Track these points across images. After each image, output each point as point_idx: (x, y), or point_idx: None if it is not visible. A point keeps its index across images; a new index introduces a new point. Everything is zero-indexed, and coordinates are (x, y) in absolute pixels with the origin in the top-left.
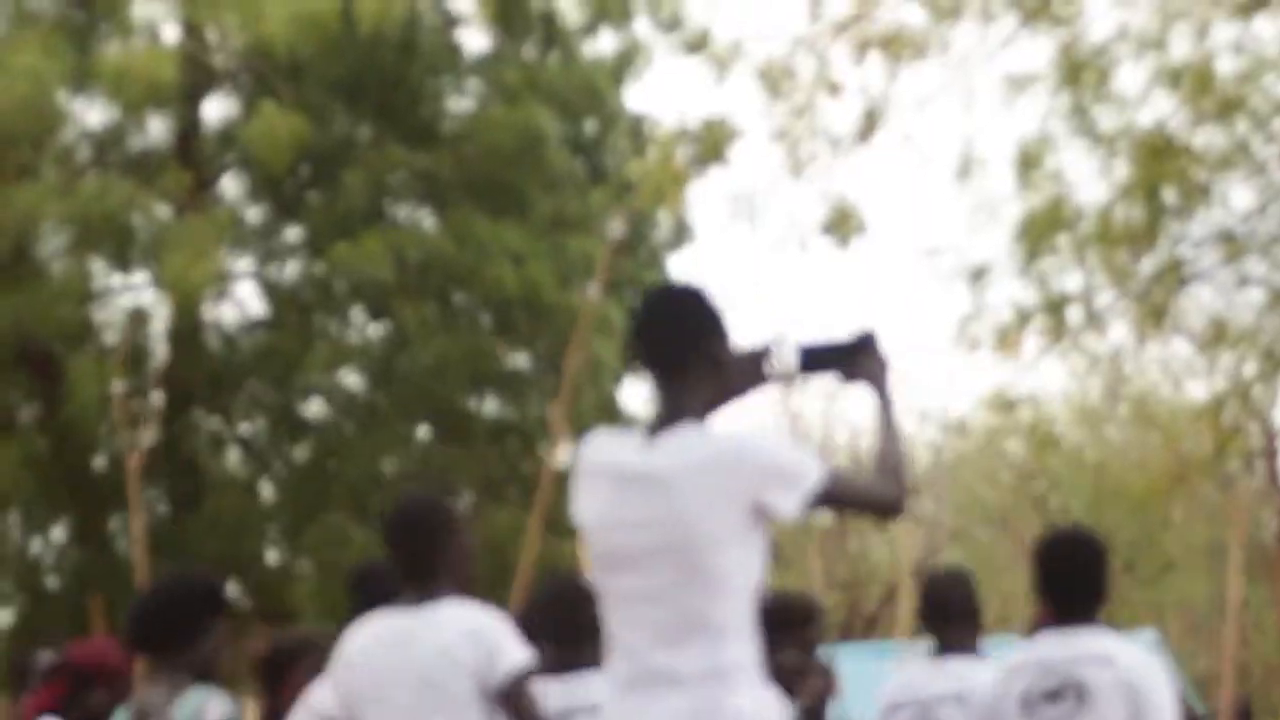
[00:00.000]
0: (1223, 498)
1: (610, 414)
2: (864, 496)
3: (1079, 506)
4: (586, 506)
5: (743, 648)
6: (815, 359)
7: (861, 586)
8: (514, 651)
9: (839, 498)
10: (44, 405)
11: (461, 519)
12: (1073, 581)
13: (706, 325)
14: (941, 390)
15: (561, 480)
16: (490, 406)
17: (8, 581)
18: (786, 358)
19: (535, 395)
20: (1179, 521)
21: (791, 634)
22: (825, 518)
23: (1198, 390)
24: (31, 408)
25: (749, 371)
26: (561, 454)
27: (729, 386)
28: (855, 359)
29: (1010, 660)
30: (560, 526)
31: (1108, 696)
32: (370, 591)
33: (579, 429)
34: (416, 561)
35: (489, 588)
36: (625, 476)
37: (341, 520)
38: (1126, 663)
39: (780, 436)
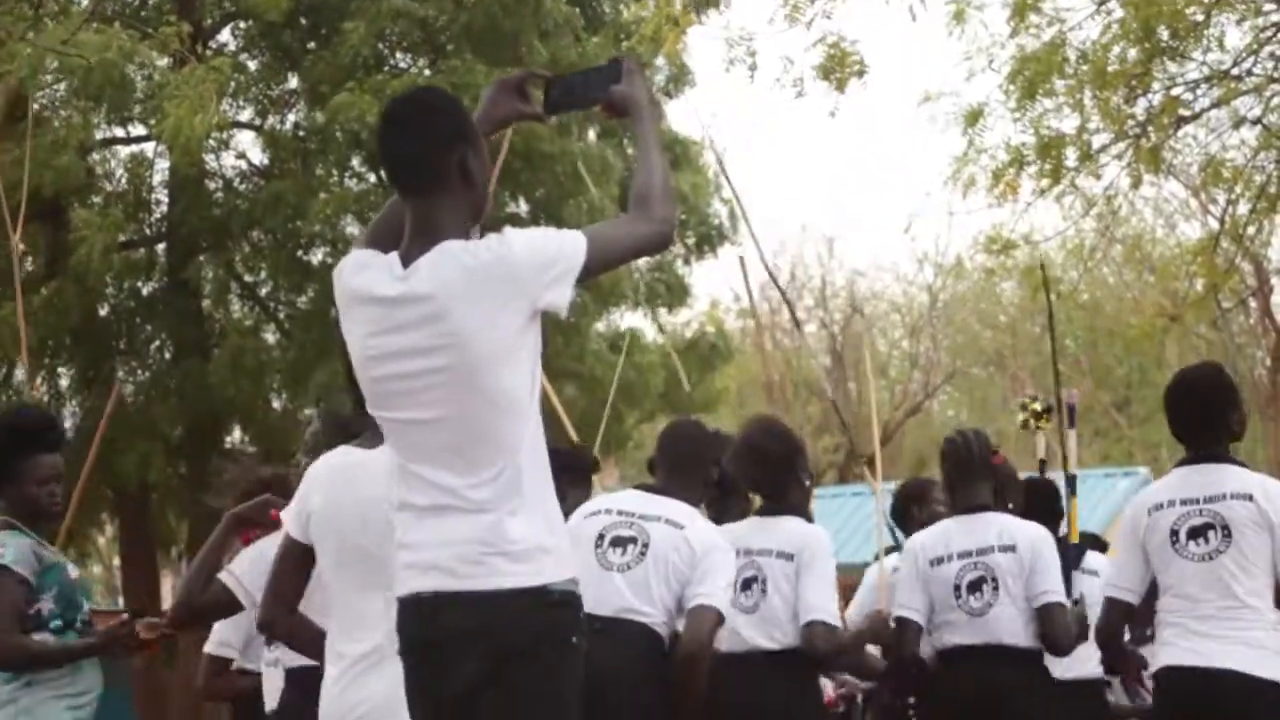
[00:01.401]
0: (1216, 336)
1: None
2: (628, 246)
3: (1075, 346)
4: (351, 339)
5: (534, 468)
6: (570, 93)
7: (861, 428)
8: None
9: (605, 262)
10: (50, 255)
11: None
12: (1200, 420)
13: (453, 135)
14: (938, 233)
15: (564, 324)
16: None
17: None
18: (542, 97)
19: None
20: (1173, 360)
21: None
22: (820, 360)
23: (1191, 230)
24: (39, 258)
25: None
26: None
27: (483, 196)
28: (609, 88)
29: (1148, 497)
30: (554, 367)
31: (1251, 531)
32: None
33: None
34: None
35: None
36: (389, 305)
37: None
38: (1264, 497)
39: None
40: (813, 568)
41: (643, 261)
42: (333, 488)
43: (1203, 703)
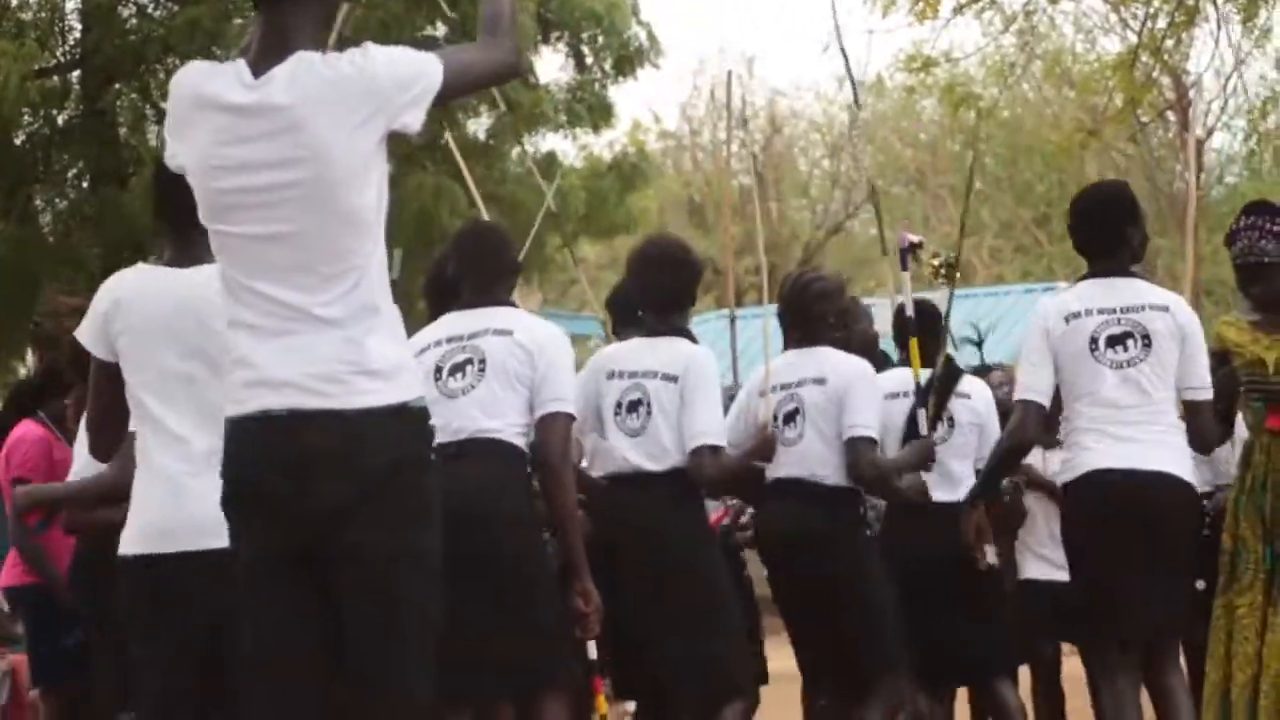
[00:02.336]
0: (1136, 150)
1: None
2: (480, 74)
3: (996, 163)
4: (191, 148)
5: (382, 288)
6: None
7: (782, 249)
8: None
9: (460, 87)
10: None
11: None
12: (1108, 234)
13: None
14: (858, 53)
15: (486, 147)
16: None
17: None
18: None
19: None
20: (1093, 176)
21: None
22: (741, 180)
23: (1111, 45)
24: None
25: None
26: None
27: (335, 3)
28: None
29: (1061, 305)
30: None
31: (1168, 341)
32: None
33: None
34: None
35: (418, 249)
36: (239, 114)
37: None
38: (1179, 308)
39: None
40: (698, 390)
41: (563, 82)
42: (143, 305)
43: (1132, 504)
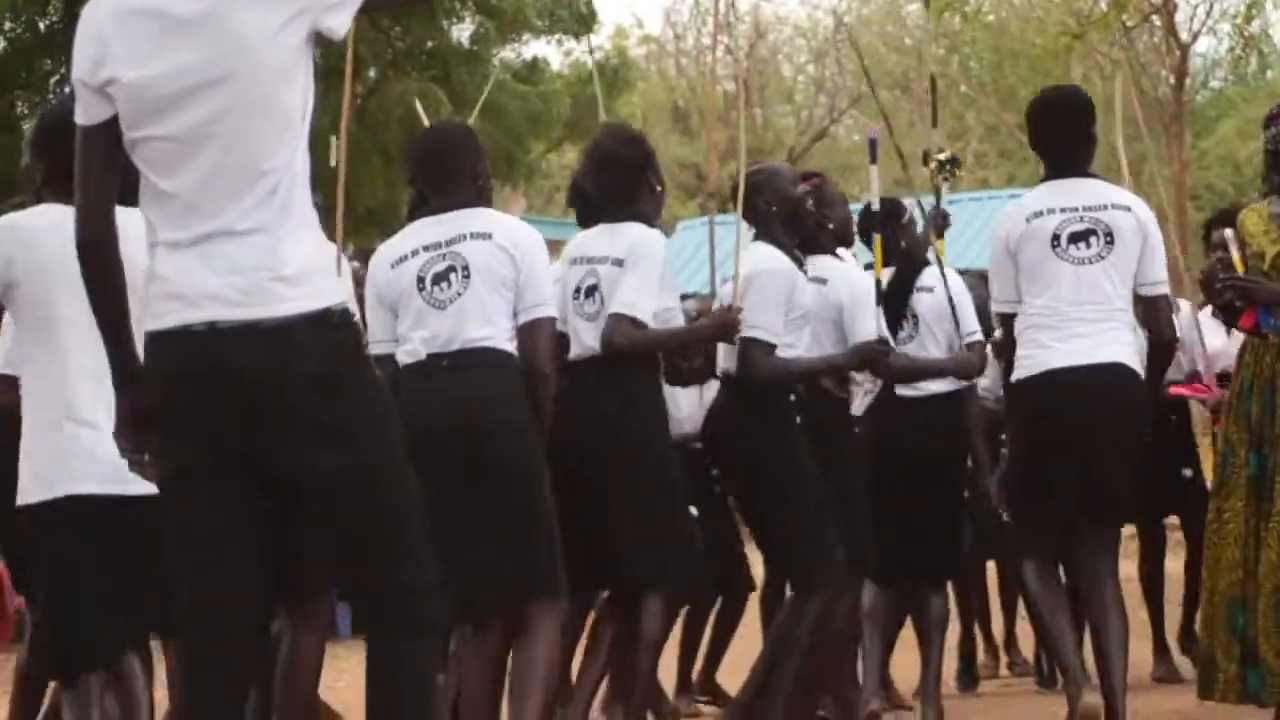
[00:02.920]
0: (1120, 55)
1: None
2: None
3: (980, 69)
4: (125, 55)
5: (303, 193)
6: None
7: (765, 155)
8: None
9: (376, 2)
10: None
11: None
12: (1068, 137)
13: None
14: None
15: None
16: None
17: None
18: None
19: None
20: (1078, 80)
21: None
22: (725, 86)
23: None
24: None
25: None
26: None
27: None
28: None
29: (1022, 207)
30: (464, 97)
31: (1131, 239)
32: None
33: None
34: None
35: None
36: (173, 20)
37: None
38: (1140, 208)
39: None
40: (635, 268)
41: None
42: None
43: (1080, 395)
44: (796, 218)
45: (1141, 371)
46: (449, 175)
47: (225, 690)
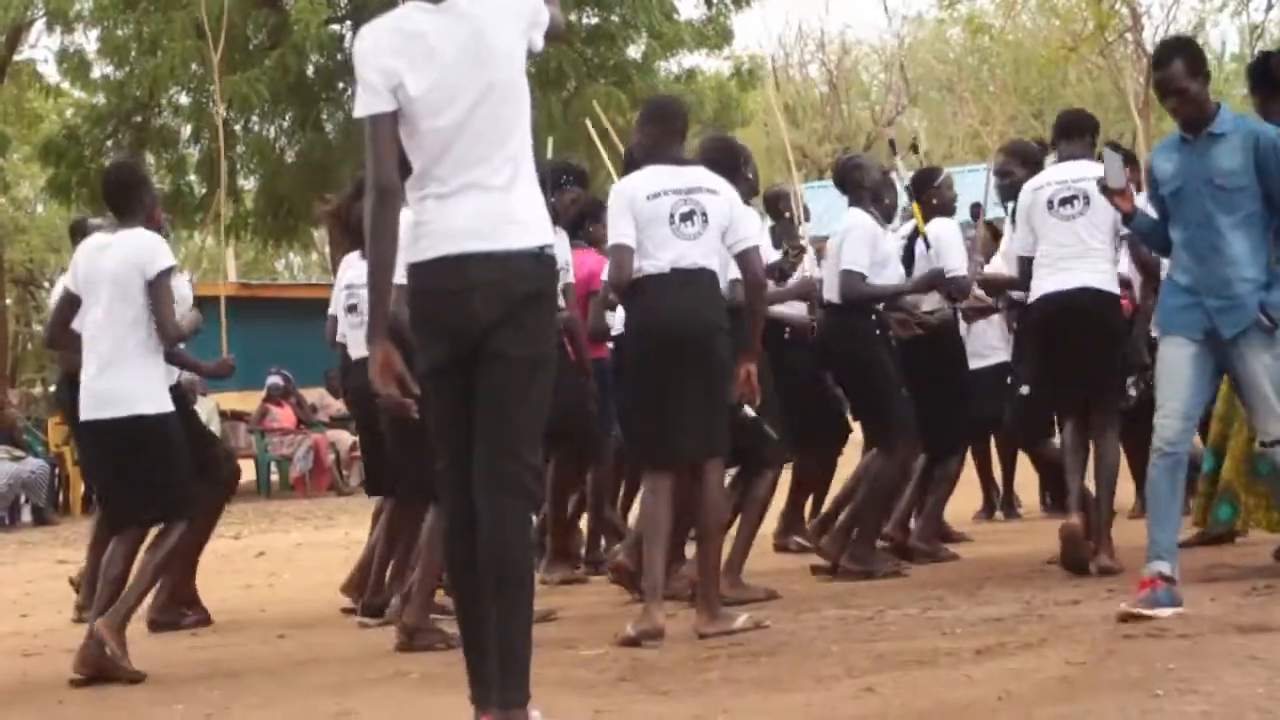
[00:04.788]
0: (1103, 62)
1: None
2: (556, 27)
3: (1004, 73)
4: (403, 71)
5: (526, 159)
6: None
7: (849, 138)
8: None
9: (552, 33)
10: (272, 32)
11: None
12: (1073, 129)
13: None
14: None
15: (641, 66)
16: None
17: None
18: None
19: None
20: (1072, 80)
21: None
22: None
23: None
24: (263, 36)
25: None
26: None
27: None
28: None
29: (1031, 183)
30: (639, 99)
31: (1101, 201)
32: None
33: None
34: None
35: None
36: (435, 32)
37: None
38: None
39: None
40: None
41: (698, 14)
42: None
43: (1070, 312)
44: (879, 194)
45: (1110, 287)
46: (676, 133)
47: (471, 518)
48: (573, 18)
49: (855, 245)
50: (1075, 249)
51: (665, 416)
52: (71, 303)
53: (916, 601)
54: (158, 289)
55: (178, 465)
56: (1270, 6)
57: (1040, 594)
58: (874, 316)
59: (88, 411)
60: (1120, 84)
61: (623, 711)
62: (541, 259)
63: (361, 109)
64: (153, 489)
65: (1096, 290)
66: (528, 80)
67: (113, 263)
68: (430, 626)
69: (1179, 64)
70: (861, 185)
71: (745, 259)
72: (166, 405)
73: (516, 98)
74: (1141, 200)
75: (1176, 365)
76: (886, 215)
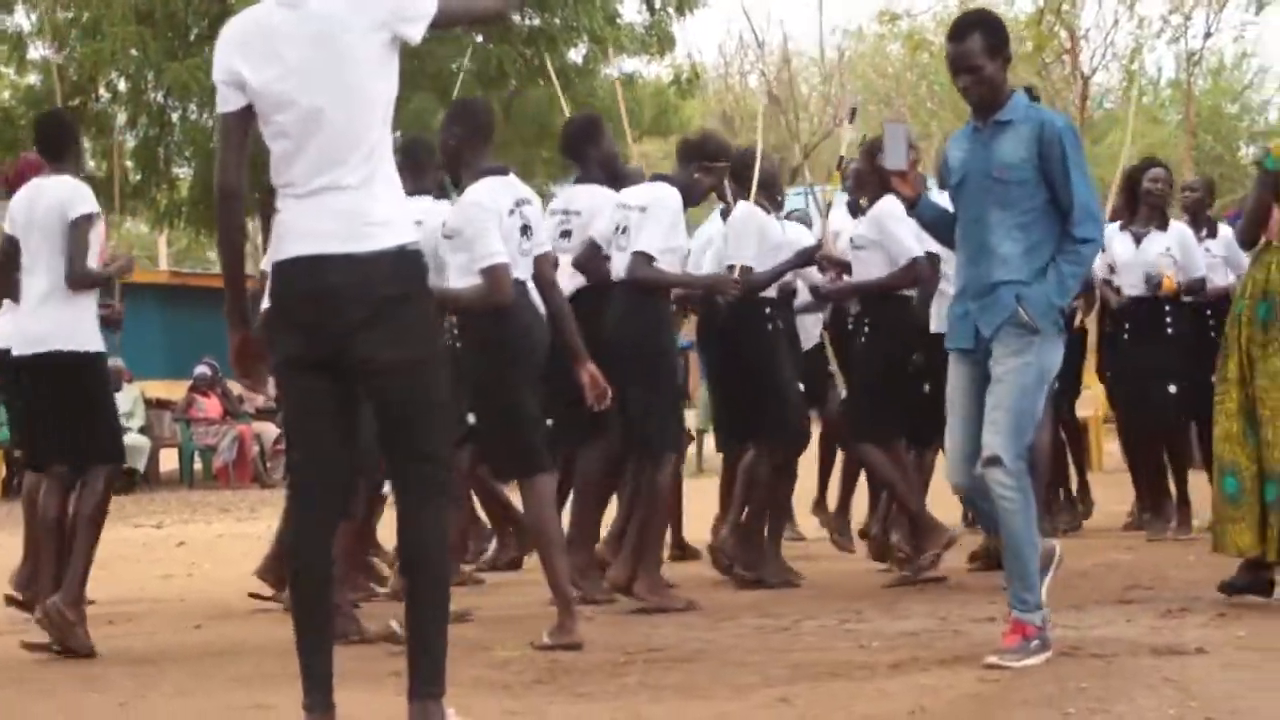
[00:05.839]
0: (1041, 82)
1: None
2: (469, 11)
3: (941, 89)
4: (256, 65)
5: (385, 158)
6: None
7: (785, 148)
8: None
9: (451, 18)
10: (213, 23)
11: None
12: None
13: None
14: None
15: (582, 70)
16: None
17: None
18: None
19: None
20: None
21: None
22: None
23: (1025, 6)
24: (204, 25)
25: None
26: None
27: None
28: None
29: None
30: (580, 102)
31: None
32: None
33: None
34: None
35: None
36: (284, 29)
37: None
38: None
39: None
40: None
41: (639, 18)
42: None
43: None
44: (770, 185)
45: None
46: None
47: (319, 524)
48: (516, 19)
49: (740, 238)
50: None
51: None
52: (12, 249)
53: (834, 613)
54: (73, 230)
55: (107, 406)
56: (1208, 34)
57: (957, 609)
58: (769, 309)
59: (20, 348)
60: (1057, 105)
61: (537, 713)
62: (403, 258)
63: (217, 108)
64: (80, 427)
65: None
66: (469, 79)
67: (44, 206)
68: (352, 615)
69: (977, 39)
70: (747, 177)
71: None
72: (99, 345)
73: (372, 96)
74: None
75: (955, 392)
76: (778, 205)
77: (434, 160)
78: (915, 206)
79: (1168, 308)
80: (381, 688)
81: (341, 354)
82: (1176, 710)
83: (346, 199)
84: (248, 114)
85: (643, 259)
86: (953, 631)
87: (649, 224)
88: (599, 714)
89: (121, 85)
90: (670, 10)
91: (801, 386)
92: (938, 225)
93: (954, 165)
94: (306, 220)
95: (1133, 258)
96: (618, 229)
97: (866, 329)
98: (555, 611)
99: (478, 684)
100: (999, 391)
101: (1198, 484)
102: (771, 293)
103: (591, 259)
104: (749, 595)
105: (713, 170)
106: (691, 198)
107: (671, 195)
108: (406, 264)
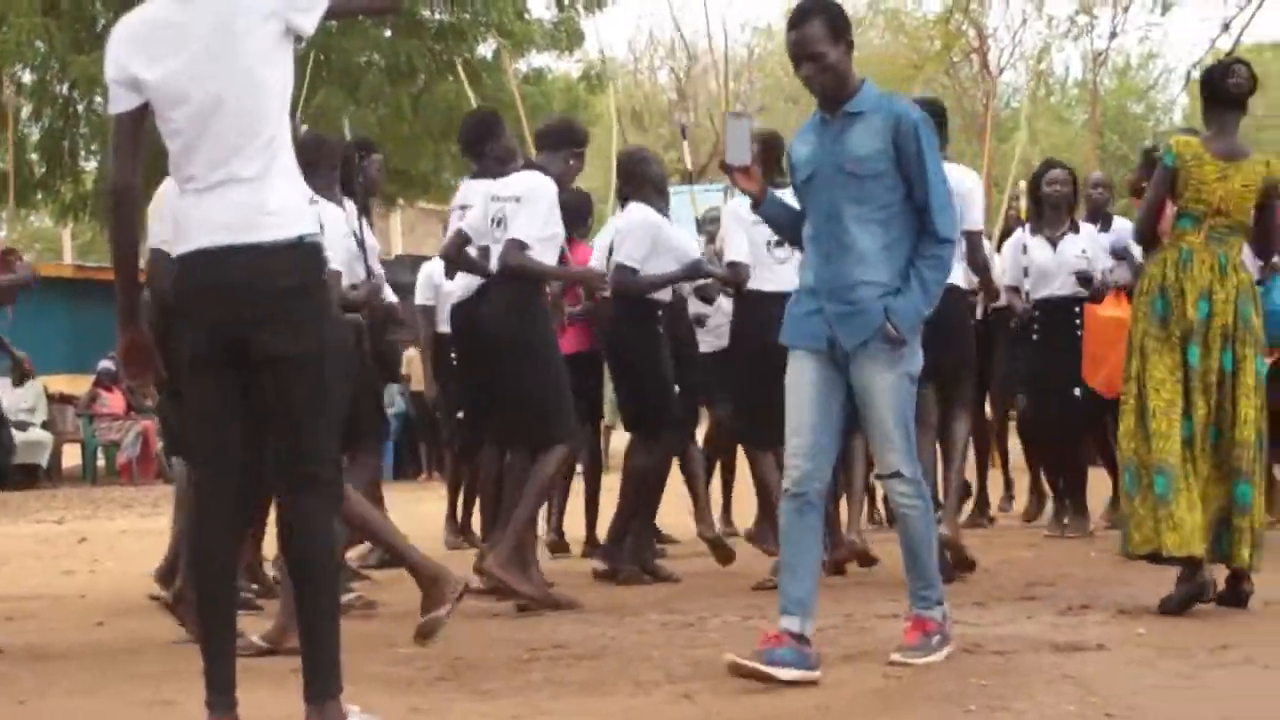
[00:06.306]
0: (949, 81)
1: None
2: (361, 5)
3: None
4: (153, 63)
5: (285, 149)
6: None
7: (695, 145)
8: None
9: (346, 8)
10: (119, 15)
11: None
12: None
13: None
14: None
15: (490, 65)
16: None
17: None
18: None
19: None
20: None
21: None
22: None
23: (933, 6)
24: (110, 16)
25: None
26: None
27: None
28: None
29: None
30: (487, 97)
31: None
32: None
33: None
34: None
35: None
36: (176, 24)
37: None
38: (961, 178)
39: None
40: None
41: (548, 14)
42: None
43: None
44: (662, 187)
45: (961, 280)
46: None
47: (225, 521)
48: (425, 13)
49: (634, 240)
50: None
51: None
52: None
53: (739, 609)
54: None
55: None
56: (1114, 34)
57: (862, 606)
58: (659, 312)
59: None
60: (964, 104)
61: (440, 710)
62: (300, 249)
63: (109, 108)
64: None
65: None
66: (378, 74)
67: None
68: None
69: (818, 24)
70: (645, 179)
71: None
72: None
73: (268, 85)
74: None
75: (801, 389)
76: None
77: (329, 158)
78: (760, 204)
79: (1077, 309)
80: (285, 686)
81: (243, 348)
82: (1077, 706)
83: (245, 190)
84: (142, 113)
85: (516, 246)
86: (857, 628)
87: (524, 212)
88: (502, 711)
89: (26, 77)
90: (579, 7)
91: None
92: (785, 223)
93: (801, 160)
94: (206, 213)
95: (1052, 260)
96: (493, 221)
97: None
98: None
99: (381, 681)
100: (882, 409)
101: (1096, 482)
102: (665, 296)
103: (459, 250)
104: (654, 592)
105: (581, 156)
106: (564, 185)
107: (547, 184)
108: (305, 255)
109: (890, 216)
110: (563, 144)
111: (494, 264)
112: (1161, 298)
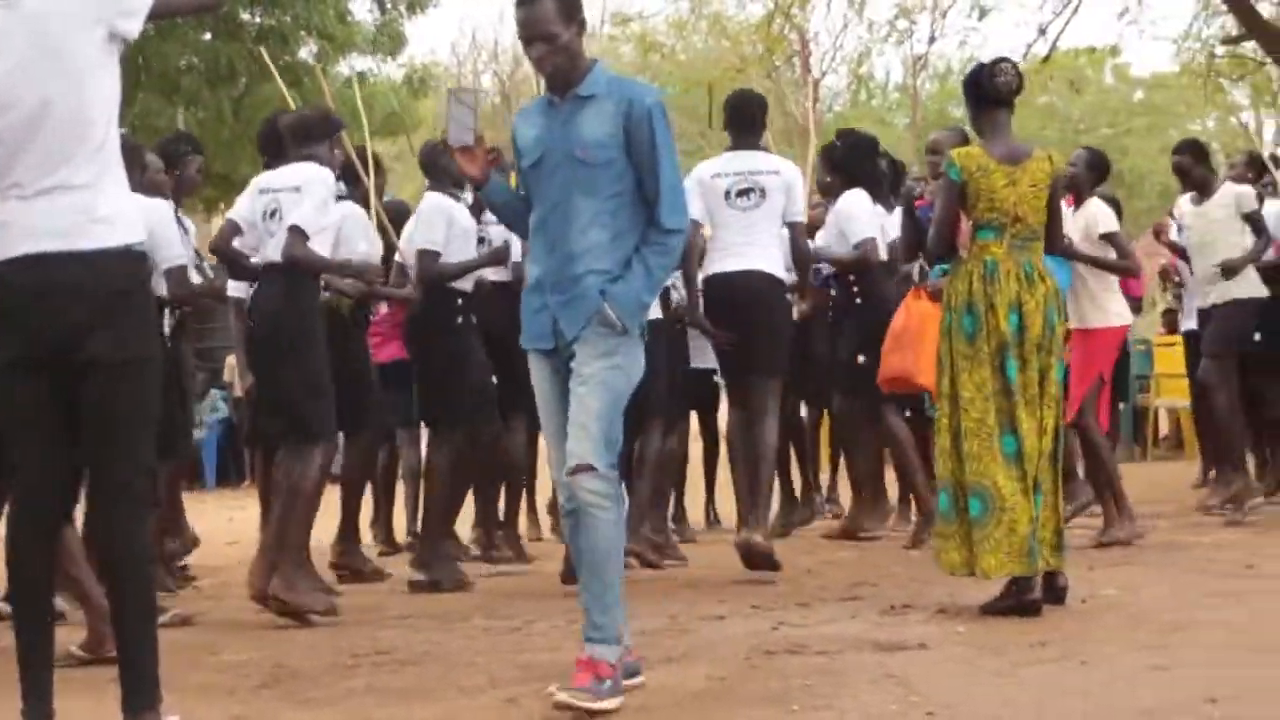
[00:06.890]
0: (771, 84)
1: None
2: (183, 4)
3: (674, 91)
4: None
5: (118, 162)
6: None
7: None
8: None
9: (168, 8)
10: None
11: None
12: (746, 121)
13: None
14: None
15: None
16: None
17: None
18: None
19: None
20: None
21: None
22: (495, 101)
23: (756, 9)
24: None
25: None
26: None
27: None
28: None
29: (707, 168)
30: (310, 100)
31: (776, 192)
32: None
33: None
34: None
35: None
36: (6, 30)
37: None
38: (786, 170)
39: None
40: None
41: (371, 17)
42: None
43: (741, 290)
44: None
45: (780, 272)
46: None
47: (39, 528)
48: (245, 16)
49: (427, 224)
50: (749, 238)
51: None
52: None
53: (564, 613)
54: None
55: None
56: (933, 39)
57: (685, 609)
58: (460, 301)
59: None
60: (786, 107)
61: (263, 719)
62: (129, 257)
63: None
64: None
65: (766, 274)
66: (196, 77)
67: None
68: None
69: (549, 4)
70: (444, 170)
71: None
72: None
73: (96, 90)
74: (824, 236)
75: (541, 397)
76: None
77: (139, 162)
78: (482, 188)
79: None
80: (104, 696)
81: (65, 354)
82: (899, 705)
83: (74, 197)
84: None
85: (299, 234)
86: (681, 630)
87: (305, 202)
88: (326, 718)
89: None
90: (402, 9)
91: None
92: (508, 210)
93: (526, 145)
94: (31, 219)
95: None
96: (265, 214)
97: None
98: (271, 618)
99: (203, 689)
100: (586, 398)
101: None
102: (465, 285)
103: (228, 241)
104: (479, 597)
105: (340, 144)
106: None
107: (325, 174)
108: (131, 263)
109: (619, 206)
110: (326, 134)
111: (268, 255)
112: (969, 314)
